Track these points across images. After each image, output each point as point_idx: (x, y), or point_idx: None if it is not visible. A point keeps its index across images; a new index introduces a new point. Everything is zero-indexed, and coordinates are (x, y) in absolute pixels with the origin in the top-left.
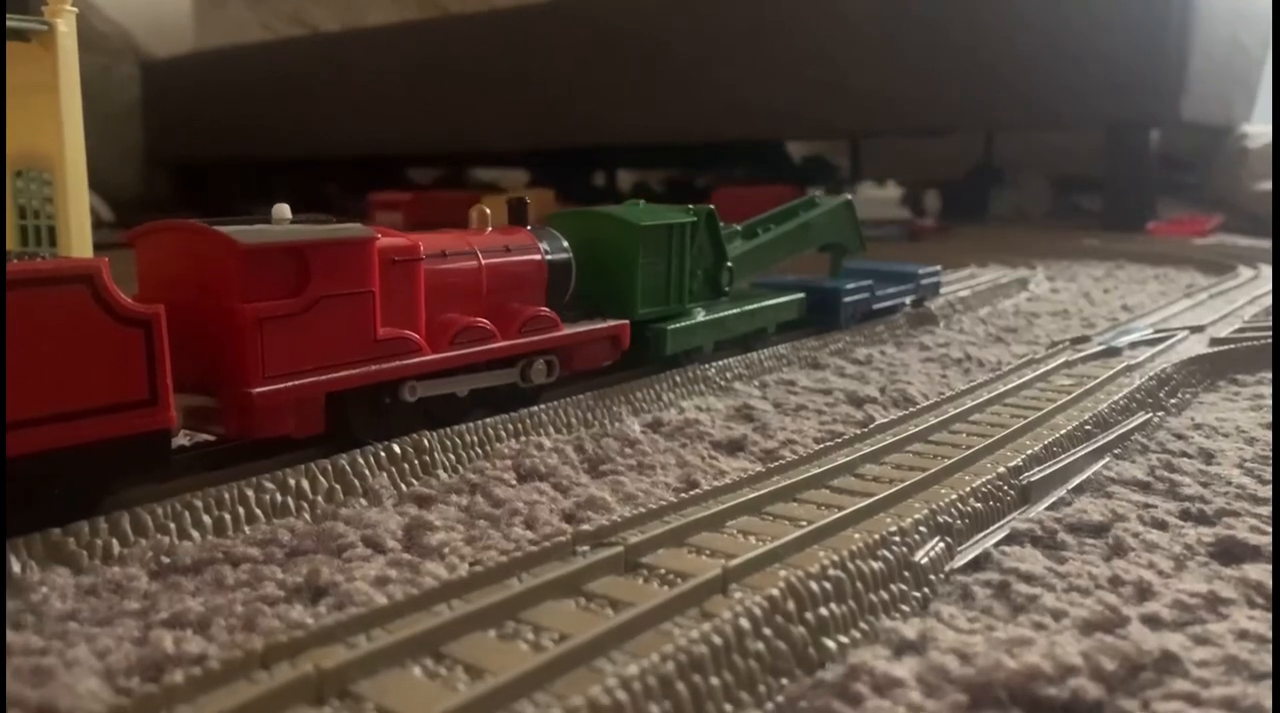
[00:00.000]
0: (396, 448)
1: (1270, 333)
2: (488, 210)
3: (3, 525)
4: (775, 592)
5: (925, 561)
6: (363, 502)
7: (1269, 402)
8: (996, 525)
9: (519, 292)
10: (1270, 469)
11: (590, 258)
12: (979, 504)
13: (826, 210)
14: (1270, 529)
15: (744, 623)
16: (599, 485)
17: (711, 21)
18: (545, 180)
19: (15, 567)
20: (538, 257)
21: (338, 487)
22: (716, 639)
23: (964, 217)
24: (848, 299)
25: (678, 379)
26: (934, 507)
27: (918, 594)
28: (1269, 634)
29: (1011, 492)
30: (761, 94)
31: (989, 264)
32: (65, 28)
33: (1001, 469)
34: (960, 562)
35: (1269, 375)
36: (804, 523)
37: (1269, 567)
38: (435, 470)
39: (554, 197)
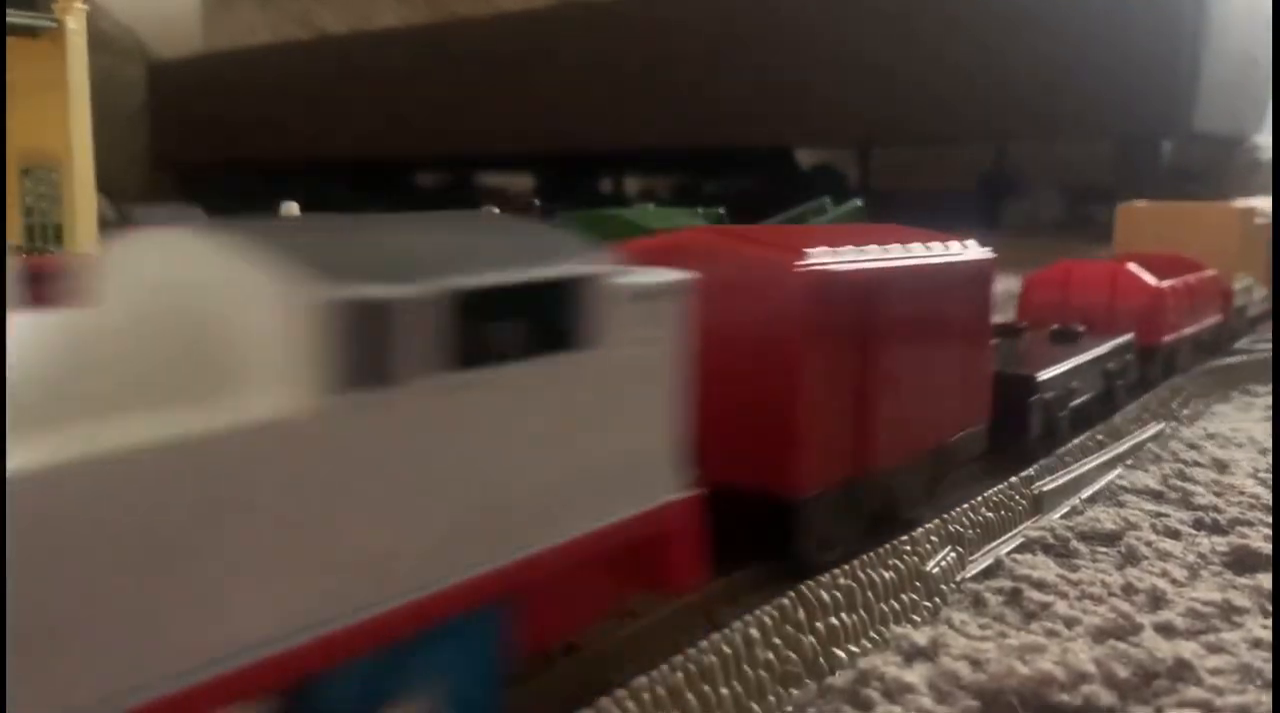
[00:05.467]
0: None
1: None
2: (496, 211)
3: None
4: (785, 601)
5: (937, 570)
6: None
7: None
8: (1009, 534)
9: None
10: None
11: None
12: (990, 513)
13: (835, 216)
14: None
15: (753, 633)
16: None
17: (720, 28)
18: (551, 186)
19: None
20: None
21: None
22: (725, 649)
23: (974, 227)
24: None
25: None
26: (945, 516)
27: (929, 604)
28: None
29: (1023, 501)
30: (771, 101)
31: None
32: (75, 25)
33: (1013, 478)
34: (972, 570)
35: None
36: None
37: None
38: None
39: None
